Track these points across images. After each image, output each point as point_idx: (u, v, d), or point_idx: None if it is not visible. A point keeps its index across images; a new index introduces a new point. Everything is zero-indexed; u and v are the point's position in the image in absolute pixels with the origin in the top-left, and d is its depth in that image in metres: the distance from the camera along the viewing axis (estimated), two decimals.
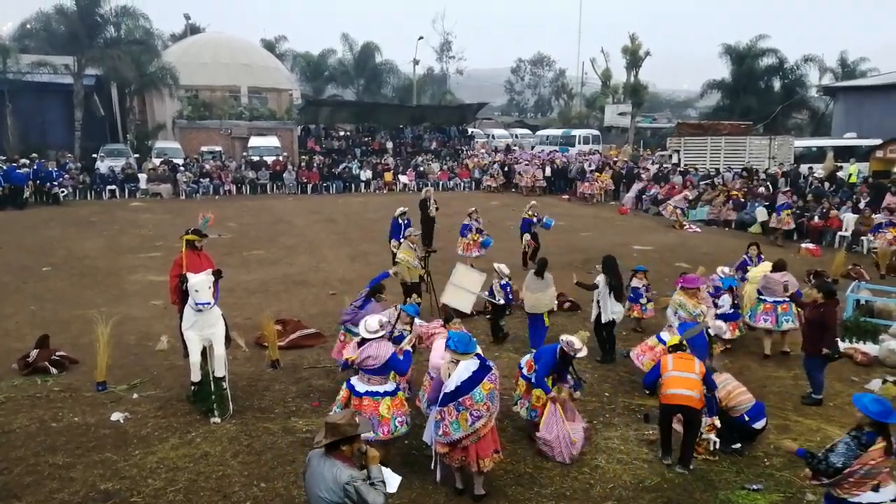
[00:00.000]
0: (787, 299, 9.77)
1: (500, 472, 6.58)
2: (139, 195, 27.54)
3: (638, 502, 6.19)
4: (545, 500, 6.19)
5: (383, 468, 4.34)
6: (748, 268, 11.36)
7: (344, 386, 6.47)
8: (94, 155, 29.93)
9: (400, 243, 12.51)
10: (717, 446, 6.94)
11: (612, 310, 9.57)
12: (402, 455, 6.88)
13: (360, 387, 6.34)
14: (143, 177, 28.21)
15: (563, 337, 7.02)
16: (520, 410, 7.18)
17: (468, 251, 14.69)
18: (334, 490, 4.09)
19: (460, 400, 5.80)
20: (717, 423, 6.98)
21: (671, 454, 6.79)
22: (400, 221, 13.79)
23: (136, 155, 31.45)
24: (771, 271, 10.19)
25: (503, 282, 10.32)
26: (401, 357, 6.57)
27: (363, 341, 6.40)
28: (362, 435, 5.71)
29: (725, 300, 9.92)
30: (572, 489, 6.36)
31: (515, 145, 42.36)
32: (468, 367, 5.92)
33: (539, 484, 6.42)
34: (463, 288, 10.41)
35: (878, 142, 26.91)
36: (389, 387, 6.39)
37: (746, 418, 7.08)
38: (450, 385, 5.88)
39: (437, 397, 6.03)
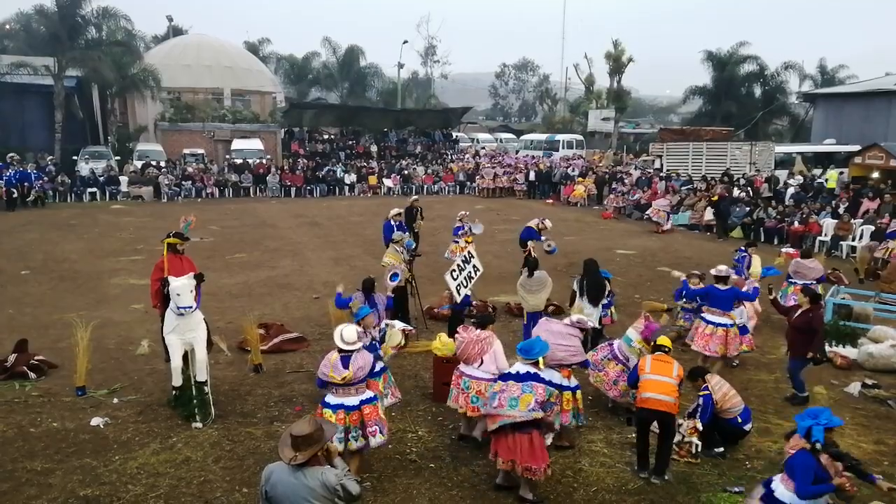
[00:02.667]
0: (816, 282, 11.07)
1: (484, 475, 6.59)
2: (120, 198, 27.30)
3: None
4: None
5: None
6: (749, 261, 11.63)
7: (330, 412, 6.10)
8: (75, 157, 29.63)
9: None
10: (699, 449, 7.00)
11: (585, 311, 9.64)
12: (385, 459, 6.87)
13: (351, 400, 6.16)
14: (124, 179, 27.96)
15: (573, 317, 7.63)
16: (568, 422, 6.99)
17: (453, 255, 14.43)
18: (325, 496, 4.14)
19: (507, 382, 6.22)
20: (700, 426, 7.03)
21: (647, 468, 6.73)
22: (393, 223, 13.52)
23: (118, 157, 31.15)
24: (801, 258, 11.87)
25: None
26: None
27: (344, 355, 6.19)
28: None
29: (741, 312, 9.75)
30: (555, 493, 6.37)
31: (482, 149, 42.21)
32: (517, 366, 6.34)
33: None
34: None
35: (857, 148, 27.32)
36: (371, 392, 6.39)
37: (739, 420, 7.17)
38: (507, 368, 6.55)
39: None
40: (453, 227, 14.98)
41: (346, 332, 6.25)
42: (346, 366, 6.11)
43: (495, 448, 6.13)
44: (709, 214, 21.73)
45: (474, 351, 7.21)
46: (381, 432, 6.24)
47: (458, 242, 14.50)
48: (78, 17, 30.10)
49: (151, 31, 53.26)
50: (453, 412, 7.97)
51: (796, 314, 8.57)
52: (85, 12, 30.38)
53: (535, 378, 6.14)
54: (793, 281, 11.42)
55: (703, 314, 9.44)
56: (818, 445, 4.91)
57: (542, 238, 14.12)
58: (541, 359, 6.27)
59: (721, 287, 9.28)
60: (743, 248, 12.05)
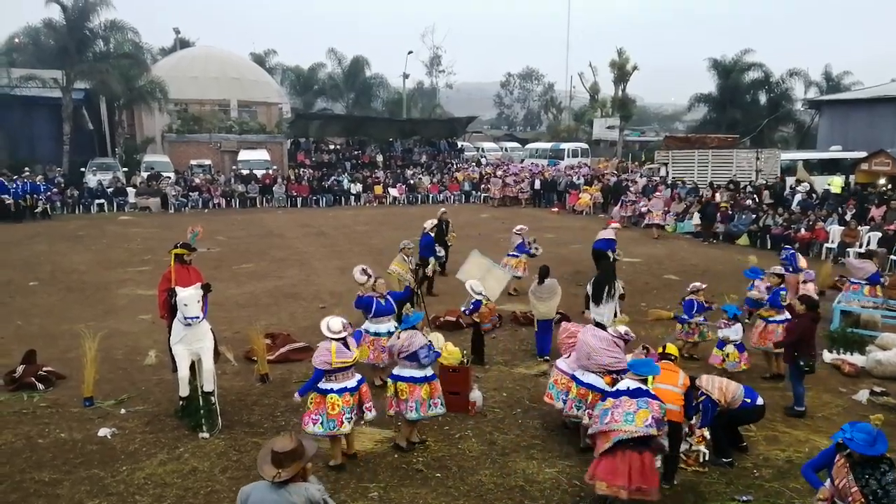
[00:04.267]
0: (866, 282, 11.97)
1: (491, 485, 6.57)
2: (128, 209, 27.47)
3: None
4: None
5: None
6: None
7: (336, 396, 6.58)
8: (83, 169, 29.85)
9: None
10: (707, 458, 6.96)
11: (594, 310, 9.94)
12: (392, 468, 6.87)
13: (351, 382, 6.70)
14: (131, 190, 28.16)
15: (620, 328, 7.49)
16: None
17: (514, 270, 13.80)
18: None
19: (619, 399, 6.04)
20: (707, 434, 7.00)
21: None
22: (431, 235, 13.48)
23: (125, 169, 31.37)
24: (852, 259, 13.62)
25: (474, 300, 10.09)
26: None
27: (342, 342, 6.65)
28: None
29: (737, 329, 9.73)
30: (563, 502, 6.35)
31: (484, 158, 42.20)
32: (626, 382, 6.22)
33: (530, 497, 6.40)
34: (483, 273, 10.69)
35: (863, 154, 27.23)
36: (360, 374, 6.93)
37: (748, 401, 7.17)
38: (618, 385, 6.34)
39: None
40: (514, 243, 14.41)
41: (332, 323, 6.75)
42: (349, 348, 6.66)
43: (594, 471, 5.89)
44: (696, 219, 22.03)
45: (567, 342, 7.87)
46: (373, 408, 6.93)
47: (518, 257, 14.09)
48: (86, 30, 30.41)
49: (158, 43, 53.68)
50: (460, 422, 7.99)
51: (792, 319, 8.63)
52: (93, 25, 30.71)
53: (649, 395, 6.02)
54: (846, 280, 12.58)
55: (763, 316, 9.79)
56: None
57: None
58: (650, 378, 6.28)
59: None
60: (789, 246, 12.80)
